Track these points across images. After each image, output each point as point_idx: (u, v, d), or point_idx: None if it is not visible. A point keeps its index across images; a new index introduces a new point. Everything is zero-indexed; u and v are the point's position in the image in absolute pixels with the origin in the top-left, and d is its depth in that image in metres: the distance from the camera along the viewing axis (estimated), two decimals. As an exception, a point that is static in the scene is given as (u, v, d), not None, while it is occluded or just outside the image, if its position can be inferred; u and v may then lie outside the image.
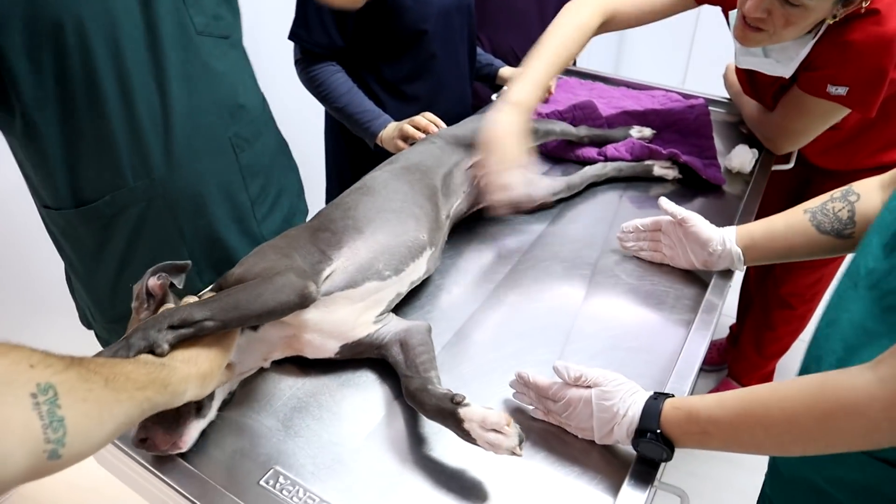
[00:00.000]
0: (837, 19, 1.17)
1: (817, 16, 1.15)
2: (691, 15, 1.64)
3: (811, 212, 0.98)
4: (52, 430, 0.48)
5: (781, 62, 1.28)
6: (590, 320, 1.02)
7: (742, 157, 1.44)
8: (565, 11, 1.33)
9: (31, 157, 0.96)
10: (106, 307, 1.10)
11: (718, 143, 1.52)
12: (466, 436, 0.75)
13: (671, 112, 1.56)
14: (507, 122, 1.15)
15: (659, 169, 1.37)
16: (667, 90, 1.76)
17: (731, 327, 2.22)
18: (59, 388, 0.49)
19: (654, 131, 1.49)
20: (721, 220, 1.10)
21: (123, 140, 0.94)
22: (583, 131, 1.45)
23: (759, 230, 1.04)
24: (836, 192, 0.97)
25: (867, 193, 0.93)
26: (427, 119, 1.32)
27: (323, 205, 1.81)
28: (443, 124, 1.33)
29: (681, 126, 1.53)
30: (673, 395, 0.78)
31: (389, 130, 1.36)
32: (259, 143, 1.14)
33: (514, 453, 0.72)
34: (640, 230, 1.15)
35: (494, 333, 0.99)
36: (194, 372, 0.68)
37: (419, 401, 0.81)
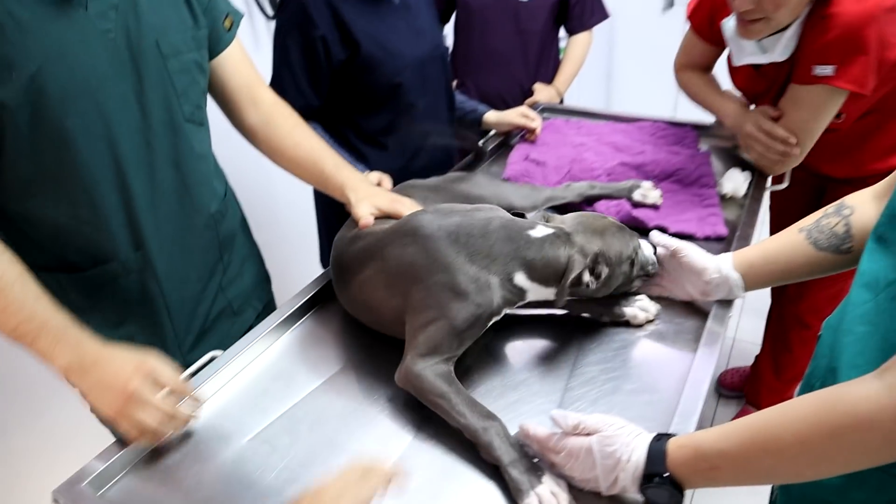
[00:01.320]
0: None
1: None
2: (677, 45, 1.67)
3: (807, 230, 0.95)
4: None
5: (775, 49, 1.31)
6: (588, 365, 0.99)
7: (735, 181, 1.42)
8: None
9: (22, 229, 0.98)
10: None
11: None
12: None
13: (670, 160, 1.52)
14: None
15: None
16: (655, 120, 1.75)
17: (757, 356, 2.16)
18: None
19: (661, 194, 1.37)
20: (718, 247, 1.07)
21: (116, 218, 0.99)
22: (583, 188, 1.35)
23: (755, 254, 1.02)
24: (830, 208, 0.95)
25: (861, 206, 0.91)
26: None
27: (317, 260, 1.82)
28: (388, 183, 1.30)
29: (682, 175, 1.47)
30: (675, 435, 0.74)
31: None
32: (228, 215, 1.20)
33: None
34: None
35: (490, 386, 0.96)
36: None
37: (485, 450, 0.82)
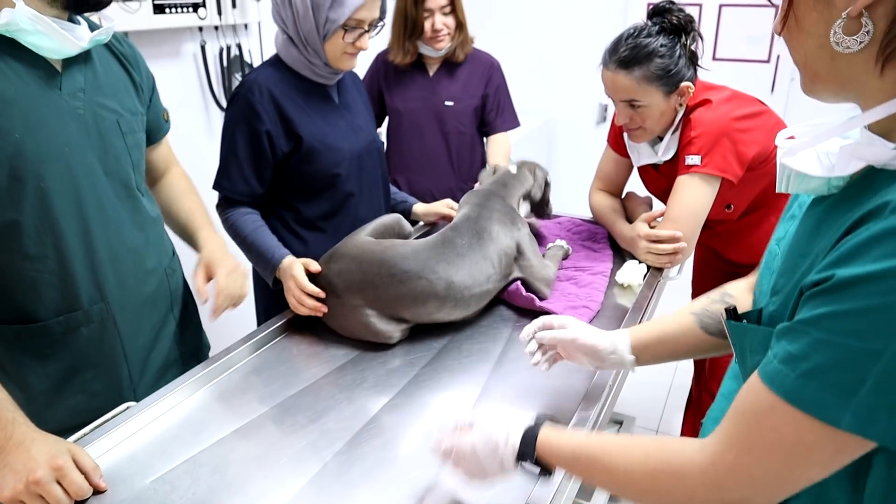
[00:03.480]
0: (684, 106, 1.55)
1: (658, 107, 1.52)
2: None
3: (697, 315, 1.03)
4: None
5: (661, 150, 1.62)
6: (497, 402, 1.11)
7: (631, 273, 1.58)
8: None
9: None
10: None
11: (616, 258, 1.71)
12: None
13: (573, 267, 1.68)
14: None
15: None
16: (571, 217, 1.98)
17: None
18: None
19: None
20: (612, 325, 1.20)
21: (81, 271, 1.11)
22: None
23: (651, 336, 1.08)
24: (715, 295, 1.03)
25: (739, 294, 1.01)
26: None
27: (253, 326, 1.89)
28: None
29: (578, 279, 1.61)
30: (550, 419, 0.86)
31: (286, 264, 1.43)
32: (176, 275, 1.35)
33: None
34: (544, 348, 1.19)
35: (407, 421, 1.07)
36: None
37: None
